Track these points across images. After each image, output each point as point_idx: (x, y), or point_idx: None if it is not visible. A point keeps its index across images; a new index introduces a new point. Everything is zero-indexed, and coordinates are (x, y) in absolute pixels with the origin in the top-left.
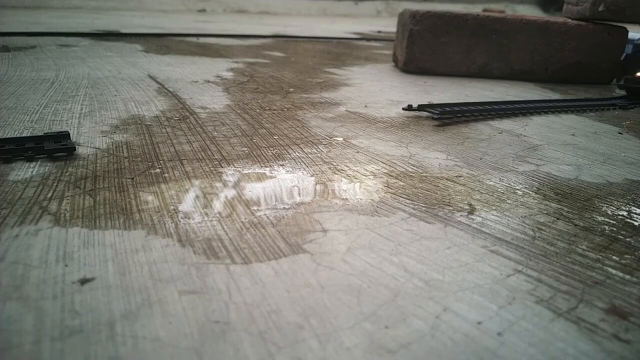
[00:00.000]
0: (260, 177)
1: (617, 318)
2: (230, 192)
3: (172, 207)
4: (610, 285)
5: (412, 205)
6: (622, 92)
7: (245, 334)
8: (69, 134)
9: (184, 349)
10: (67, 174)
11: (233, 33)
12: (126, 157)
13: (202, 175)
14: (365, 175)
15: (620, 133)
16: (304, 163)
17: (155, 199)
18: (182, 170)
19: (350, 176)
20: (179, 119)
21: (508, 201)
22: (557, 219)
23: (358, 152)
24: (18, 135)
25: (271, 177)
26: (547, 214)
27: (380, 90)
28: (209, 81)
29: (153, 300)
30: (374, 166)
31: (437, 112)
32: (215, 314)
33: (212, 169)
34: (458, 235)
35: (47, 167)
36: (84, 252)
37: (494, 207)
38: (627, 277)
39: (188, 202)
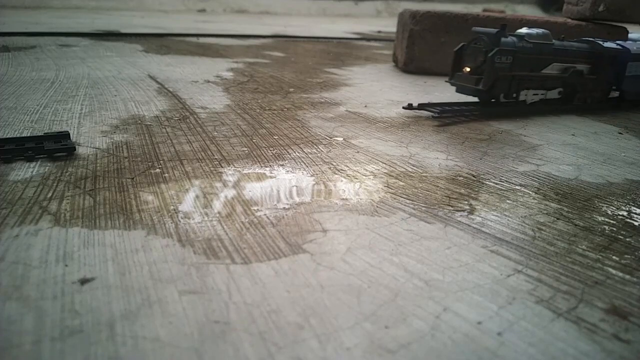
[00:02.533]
0: (260, 177)
1: (617, 318)
2: (230, 192)
3: (172, 207)
4: (610, 285)
5: (412, 205)
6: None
7: (245, 334)
8: (69, 134)
9: (184, 349)
10: (67, 174)
11: (233, 33)
12: (126, 157)
13: (202, 175)
14: (365, 175)
15: (620, 133)
16: (304, 163)
17: (155, 199)
18: (182, 170)
19: (350, 176)
20: (179, 119)
21: (508, 201)
22: (557, 219)
23: (358, 152)
24: (18, 135)
25: (271, 177)
26: (547, 214)
27: (380, 90)
28: (209, 81)
29: (153, 300)
30: (374, 166)
31: (437, 110)
32: (215, 314)
33: (212, 169)
34: (458, 235)
35: (47, 167)
36: (84, 252)
37: (494, 207)
38: (627, 277)
39: (188, 202)
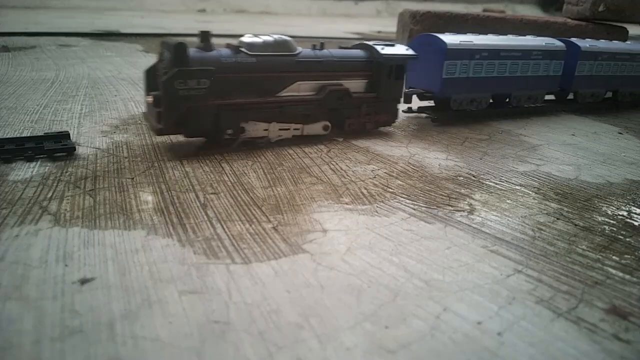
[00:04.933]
0: (260, 177)
1: (617, 318)
2: (230, 192)
3: (172, 207)
4: (610, 285)
5: (412, 205)
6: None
7: (245, 334)
8: (69, 134)
9: (184, 349)
10: (67, 174)
11: (233, 33)
12: (126, 157)
13: (202, 174)
14: (365, 175)
15: (620, 133)
16: (304, 163)
17: (155, 199)
18: (182, 170)
19: (351, 176)
20: None
21: (508, 201)
22: (557, 219)
23: (358, 152)
24: (18, 135)
25: (271, 177)
26: (547, 214)
27: None
28: None
29: (153, 300)
30: (374, 166)
31: (436, 116)
32: (215, 314)
33: (212, 168)
34: (458, 235)
35: (47, 167)
36: (84, 252)
37: (493, 207)
38: (627, 277)
39: (188, 202)
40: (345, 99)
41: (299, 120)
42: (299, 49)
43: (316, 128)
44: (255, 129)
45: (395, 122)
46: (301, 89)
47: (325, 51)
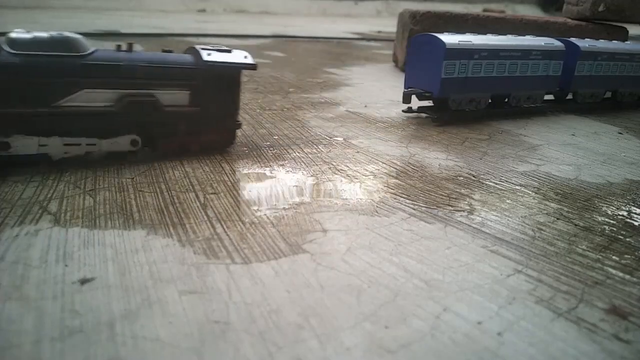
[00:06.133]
0: (260, 177)
1: (617, 318)
2: (230, 192)
3: (171, 206)
4: (610, 285)
5: (412, 205)
6: None
7: (245, 334)
8: None
9: (184, 349)
10: (67, 174)
11: (233, 33)
12: (126, 157)
13: (202, 174)
14: (365, 175)
15: (620, 133)
16: (304, 163)
17: (155, 199)
18: (182, 170)
19: (350, 176)
20: None
21: (508, 201)
22: (557, 219)
23: (358, 152)
24: None
25: (271, 177)
26: (547, 214)
27: (380, 90)
28: None
29: (153, 300)
30: (374, 166)
31: (436, 117)
32: (215, 314)
33: (212, 168)
34: (458, 235)
35: (47, 167)
36: (84, 252)
37: (493, 207)
38: (627, 277)
39: (187, 202)
40: (154, 113)
41: (93, 135)
42: (92, 49)
43: (121, 143)
44: (26, 144)
45: (232, 143)
46: (91, 98)
47: (132, 54)
